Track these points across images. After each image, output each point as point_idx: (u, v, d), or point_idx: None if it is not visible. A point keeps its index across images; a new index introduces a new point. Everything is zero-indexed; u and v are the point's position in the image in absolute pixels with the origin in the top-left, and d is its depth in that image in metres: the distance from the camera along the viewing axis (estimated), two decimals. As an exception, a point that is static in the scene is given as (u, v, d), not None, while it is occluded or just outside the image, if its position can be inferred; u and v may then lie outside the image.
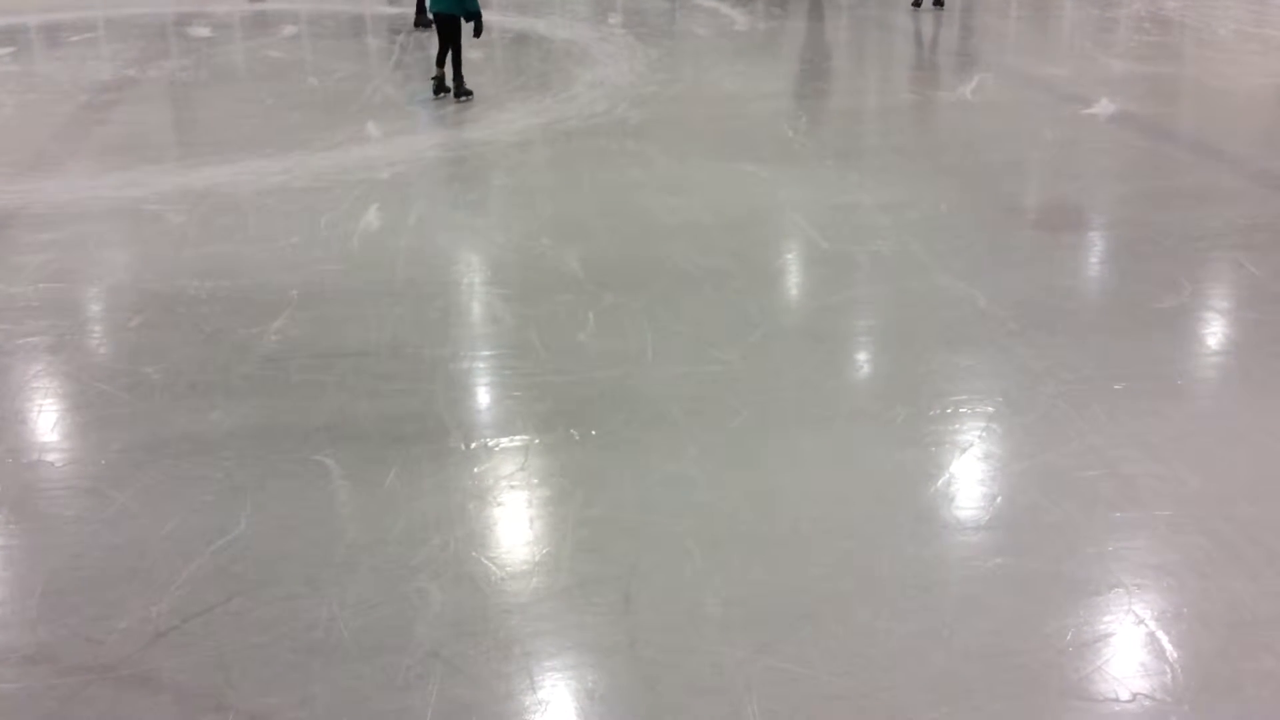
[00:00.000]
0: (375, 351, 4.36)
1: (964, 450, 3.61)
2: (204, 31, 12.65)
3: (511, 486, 3.45)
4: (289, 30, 12.80)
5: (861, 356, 4.47)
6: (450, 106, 8.49)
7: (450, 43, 8.50)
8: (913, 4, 14.84)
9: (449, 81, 8.61)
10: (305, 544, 3.14)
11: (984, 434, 3.70)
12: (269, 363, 4.27)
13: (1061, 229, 5.83)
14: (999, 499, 3.34)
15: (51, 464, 3.62)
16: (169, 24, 13.18)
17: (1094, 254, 5.60)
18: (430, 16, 8.85)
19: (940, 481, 3.44)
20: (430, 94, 8.69)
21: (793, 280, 5.32)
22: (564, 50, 10.58)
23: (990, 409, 3.86)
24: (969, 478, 3.47)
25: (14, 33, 13.07)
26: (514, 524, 3.27)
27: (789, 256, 5.61)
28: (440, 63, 8.63)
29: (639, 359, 4.30)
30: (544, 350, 4.38)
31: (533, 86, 9.33)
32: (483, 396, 4.11)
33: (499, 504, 3.36)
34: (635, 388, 4.07)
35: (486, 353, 4.41)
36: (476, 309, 4.86)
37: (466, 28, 8.42)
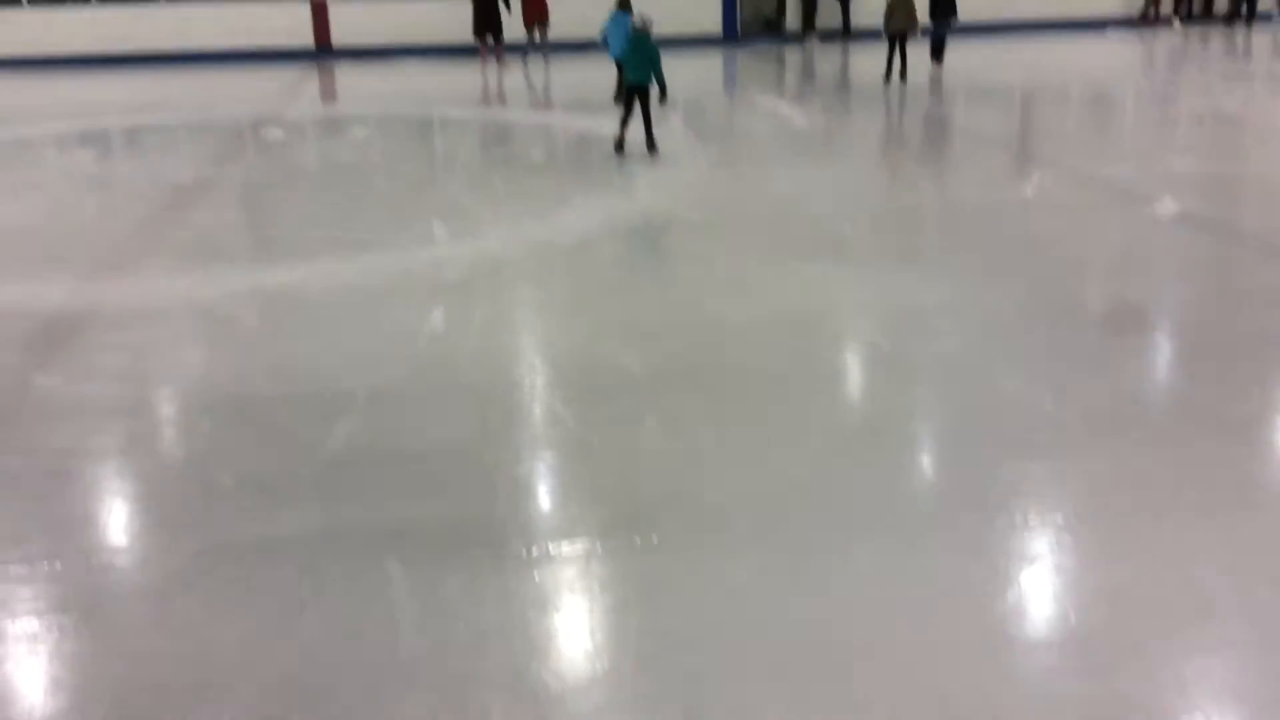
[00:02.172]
0: (439, 454, 4.40)
1: (1033, 562, 3.53)
2: (278, 134, 13.05)
3: (572, 594, 3.43)
4: (360, 133, 13.17)
5: (926, 462, 4.42)
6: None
7: (642, 108, 10.26)
8: (884, 78, 15.34)
9: (645, 145, 10.32)
10: (366, 653, 3.14)
11: (1054, 546, 3.63)
12: (335, 465, 4.32)
13: (1128, 331, 5.77)
14: (1071, 615, 3.26)
15: (120, 567, 3.67)
16: (245, 127, 13.61)
17: (1162, 358, 5.53)
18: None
19: (1010, 596, 3.36)
20: (613, 150, 10.39)
21: (854, 382, 5.30)
22: (626, 150, 10.74)
23: (1060, 519, 3.79)
24: (1039, 592, 3.39)
25: (97, 135, 13.57)
26: (575, 635, 3.25)
27: (850, 358, 5.59)
28: (624, 125, 10.38)
29: (700, 463, 4.29)
30: (605, 453, 4.38)
31: (595, 186, 9.49)
32: (544, 501, 4.12)
33: (560, 613, 3.34)
34: (697, 492, 4.05)
35: (548, 455, 4.42)
36: (538, 411, 4.89)
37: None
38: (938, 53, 16.38)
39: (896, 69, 15.34)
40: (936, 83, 15.86)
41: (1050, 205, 8.51)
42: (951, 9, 16.14)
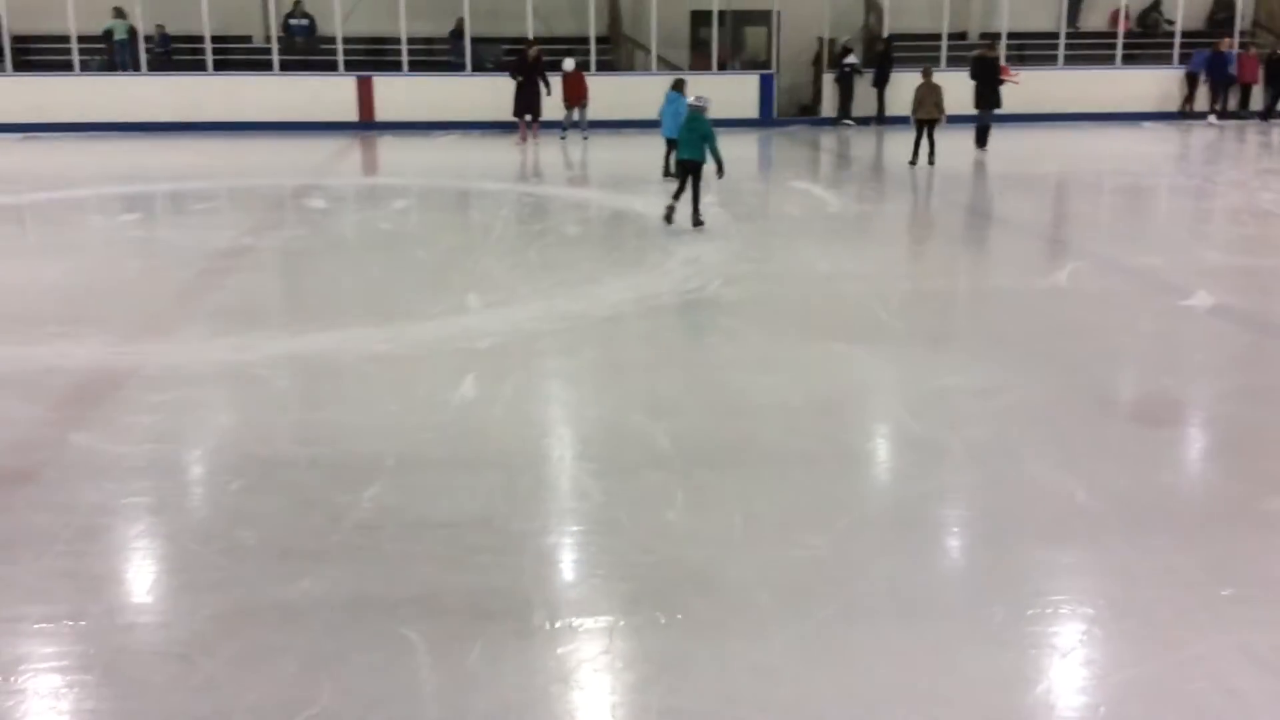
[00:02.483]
0: (465, 523, 4.40)
1: (1064, 655, 3.48)
2: (319, 203, 13.27)
3: (595, 670, 3.40)
4: (399, 204, 13.37)
5: (954, 548, 4.37)
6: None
7: (693, 184, 10.73)
8: (910, 162, 15.82)
9: (694, 216, 10.72)
10: (386, 722, 3.12)
11: (1085, 638, 3.57)
12: (361, 531, 4.32)
13: (1161, 423, 5.72)
14: (1101, 710, 3.20)
15: (145, 626, 3.67)
16: (287, 195, 13.86)
17: (1195, 450, 5.48)
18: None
19: (1039, 689, 3.31)
20: (663, 220, 10.81)
21: (883, 465, 5.27)
22: (659, 228, 10.85)
23: (1091, 611, 3.73)
24: (1069, 686, 3.33)
25: (142, 200, 13.85)
26: (596, 711, 3.22)
27: (879, 440, 5.57)
28: (676, 197, 10.81)
29: (726, 541, 4.27)
30: (631, 528, 4.37)
31: (628, 262, 9.57)
32: (569, 574, 4.10)
33: (581, 688, 3.32)
34: (722, 571, 4.02)
35: (574, 528, 4.42)
36: (565, 483, 4.89)
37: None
38: (982, 139, 16.97)
39: (925, 154, 15.70)
40: (980, 166, 16.19)
41: (1084, 294, 8.51)
42: (996, 100, 16.80)
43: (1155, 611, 3.72)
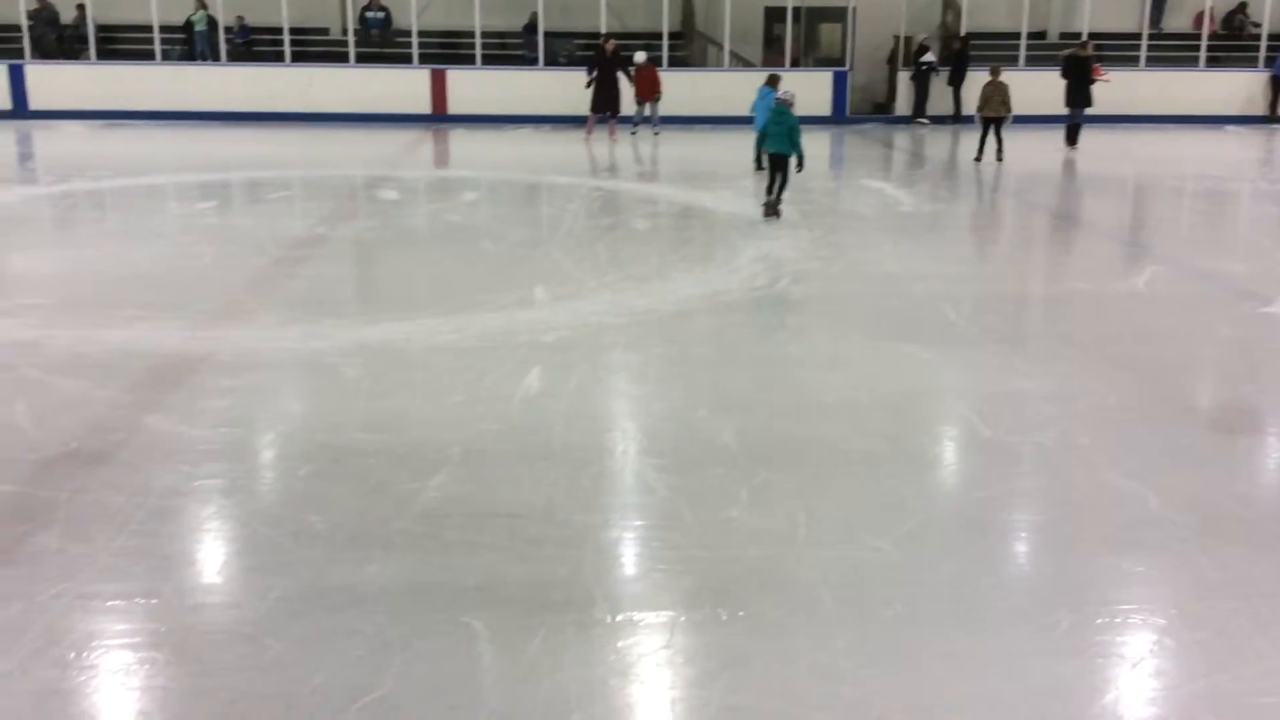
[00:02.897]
0: (528, 514, 4.42)
1: (1134, 665, 3.41)
2: (391, 195, 13.42)
3: (655, 665, 3.40)
4: (469, 196, 13.48)
5: (1022, 554, 4.31)
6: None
7: (780, 176, 11.09)
8: (975, 159, 16.32)
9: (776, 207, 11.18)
10: (446, 709, 3.14)
11: (1155, 649, 3.50)
12: (426, 519, 4.36)
13: (1239, 431, 5.59)
14: (1170, 721, 3.14)
15: (214, 606, 3.74)
16: (360, 186, 14.03)
17: (1274, 460, 5.34)
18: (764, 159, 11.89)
19: (1107, 698, 3.25)
20: (762, 217, 11.09)
21: (950, 468, 5.20)
22: (729, 223, 10.83)
23: (1162, 621, 3.65)
24: (1138, 697, 3.26)
25: (218, 188, 14.10)
26: (655, 706, 3.22)
27: (947, 442, 5.50)
28: (770, 191, 11.13)
29: (790, 539, 4.24)
30: (694, 524, 4.36)
31: (696, 258, 9.55)
32: (630, 568, 4.10)
33: (641, 682, 3.31)
34: (785, 569, 4.00)
35: (637, 523, 4.42)
36: (629, 477, 4.89)
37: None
38: (1072, 137, 17.45)
39: (991, 151, 16.03)
40: (1064, 165, 16.36)
41: (1162, 299, 8.34)
42: (1087, 99, 17.17)
43: (1229, 623, 3.64)
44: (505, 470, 4.87)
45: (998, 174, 15.13)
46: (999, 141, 15.96)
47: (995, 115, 15.93)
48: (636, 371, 6.40)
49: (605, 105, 18.97)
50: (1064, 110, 17.34)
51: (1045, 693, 3.27)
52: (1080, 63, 17.18)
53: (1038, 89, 18.59)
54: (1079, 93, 17.08)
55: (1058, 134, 17.65)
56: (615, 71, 19.01)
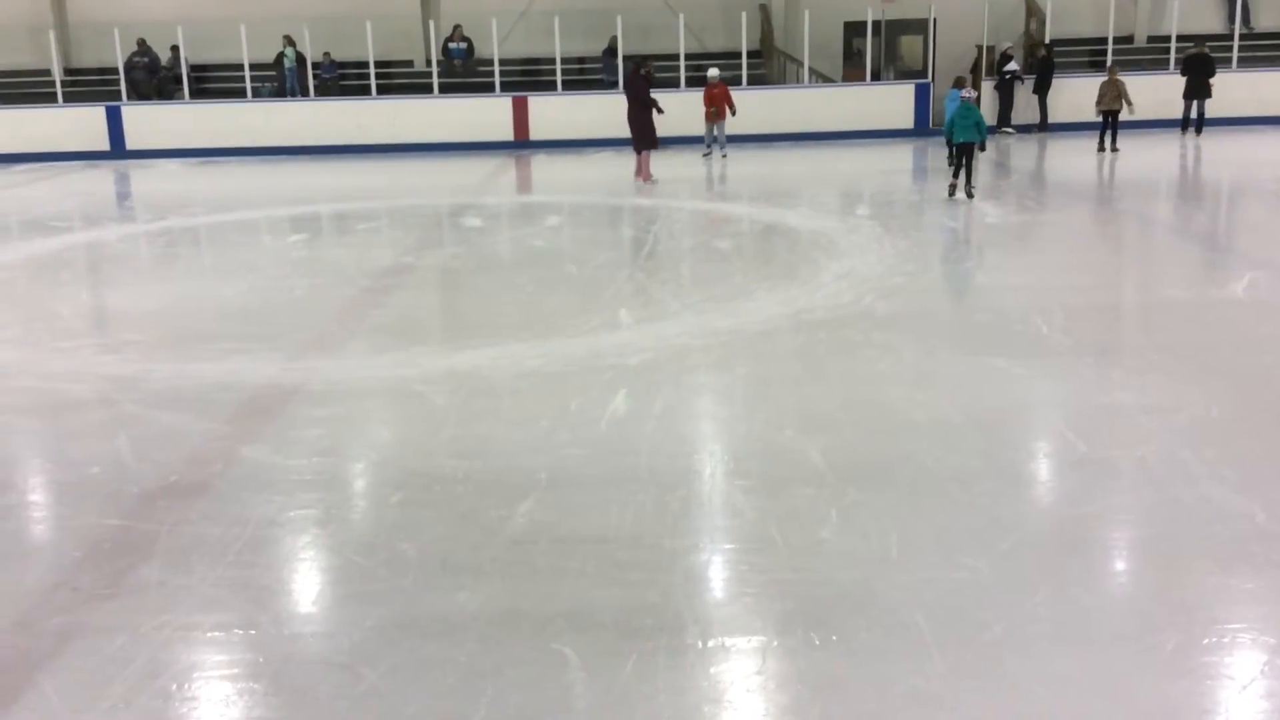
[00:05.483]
0: (616, 539, 4.41)
1: (1243, 687, 3.29)
2: (475, 222, 13.58)
3: (748, 691, 3.36)
4: (552, 220, 13.59)
5: (1123, 573, 4.19)
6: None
7: (967, 162, 13.22)
8: (1099, 149, 18.18)
9: (959, 190, 13.31)
10: (540, 736, 3.15)
11: (1266, 669, 3.37)
12: (515, 545, 4.38)
13: (1351, 441, 5.38)
14: (1286, 747, 3.02)
15: (310, 635, 3.80)
16: (444, 215, 14.23)
17: (1390, 470, 5.12)
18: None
19: (1216, 722, 3.14)
20: (947, 196, 13.36)
21: (1046, 485, 5.09)
22: (812, 241, 10.75)
23: (1272, 641, 3.52)
24: (1248, 719, 3.15)
25: (309, 220, 14.41)
26: (749, 732, 3.18)
27: (1042, 459, 5.38)
28: (955, 176, 13.38)
29: (882, 561, 4.18)
30: (784, 546, 4.32)
31: (780, 276, 9.50)
32: (721, 592, 4.07)
33: (734, 709, 3.28)
34: (878, 591, 3.94)
35: (726, 546, 4.39)
36: (717, 500, 4.86)
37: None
38: (1198, 127, 19.76)
39: (1108, 142, 18.06)
40: (1196, 150, 18.12)
41: (1262, 305, 8.08)
42: (1208, 91, 19.49)
43: (1347, 644, 3.49)
44: (593, 495, 4.87)
45: (1091, 184, 14.82)
46: (1114, 133, 17.87)
47: (1111, 109, 17.84)
48: (722, 392, 6.37)
49: (634, 138, 16.41)
50: (1148, 115, 18.74)
51: (1152, 715, 3.17)
52: (1205, 59, 19.50)
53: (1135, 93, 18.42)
54: (1200, 86, 19.36)
55: (1151, 139, 17.76)
56: (638, 96, 16.10)
